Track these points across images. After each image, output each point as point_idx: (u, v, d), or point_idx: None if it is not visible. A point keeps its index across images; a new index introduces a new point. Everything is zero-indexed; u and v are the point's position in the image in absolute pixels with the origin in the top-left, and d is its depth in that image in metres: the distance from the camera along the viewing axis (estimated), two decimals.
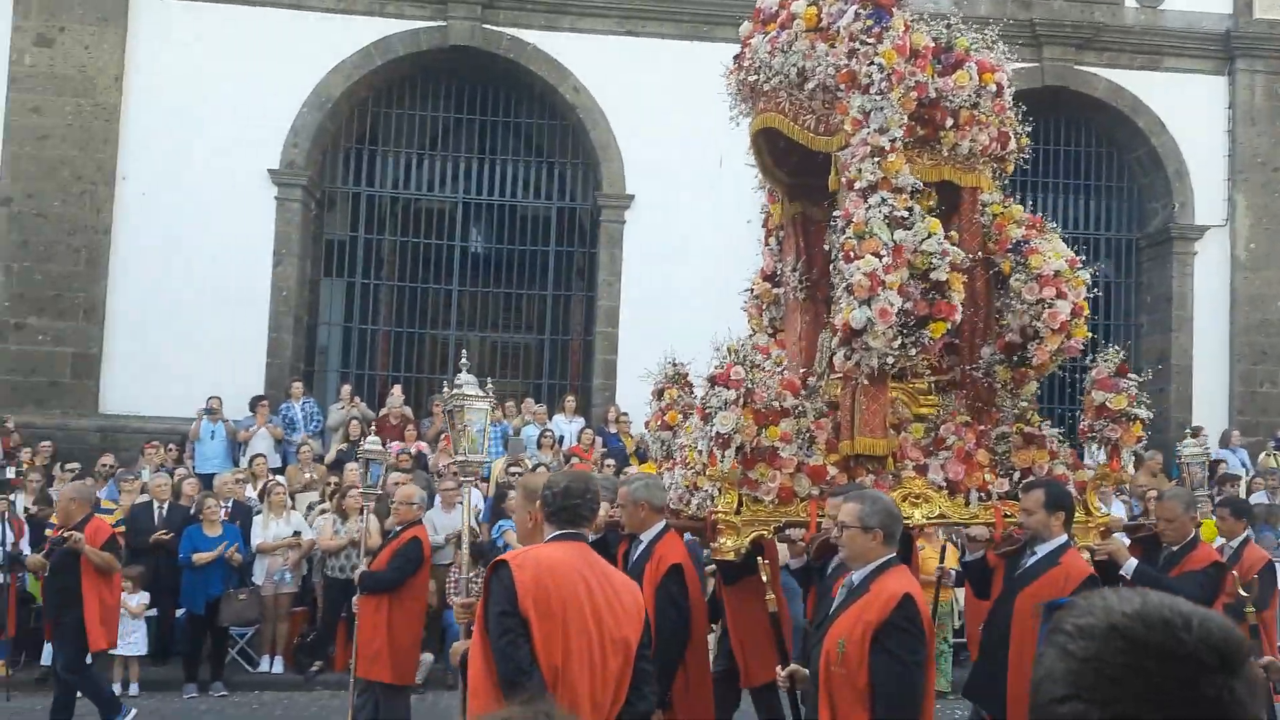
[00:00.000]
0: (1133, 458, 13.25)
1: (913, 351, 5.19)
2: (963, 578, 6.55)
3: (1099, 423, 5.56)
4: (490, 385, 6.88)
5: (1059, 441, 5.72)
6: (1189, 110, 15.31)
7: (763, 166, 6.38)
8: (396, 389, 13.77)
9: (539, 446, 12.72)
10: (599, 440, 13.19)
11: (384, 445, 12.59)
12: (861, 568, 4.17)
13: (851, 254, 5.17)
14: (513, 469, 11.20)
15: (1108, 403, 5.53)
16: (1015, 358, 5.59)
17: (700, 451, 5.32)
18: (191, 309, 13.51)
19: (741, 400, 5.18)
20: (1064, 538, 5.12)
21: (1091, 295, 5.53)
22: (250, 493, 11.45)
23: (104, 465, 12.02)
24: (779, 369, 5.85)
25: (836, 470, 5.38)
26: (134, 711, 8.22)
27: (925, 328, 5.17)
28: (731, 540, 5.19)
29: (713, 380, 5.28)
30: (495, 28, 14.55)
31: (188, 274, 13.57)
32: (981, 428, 5.63)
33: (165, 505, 10.63)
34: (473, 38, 14.47)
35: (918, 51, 5.45)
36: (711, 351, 5.43)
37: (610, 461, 12.02)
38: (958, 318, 5.29)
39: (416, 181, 15.48)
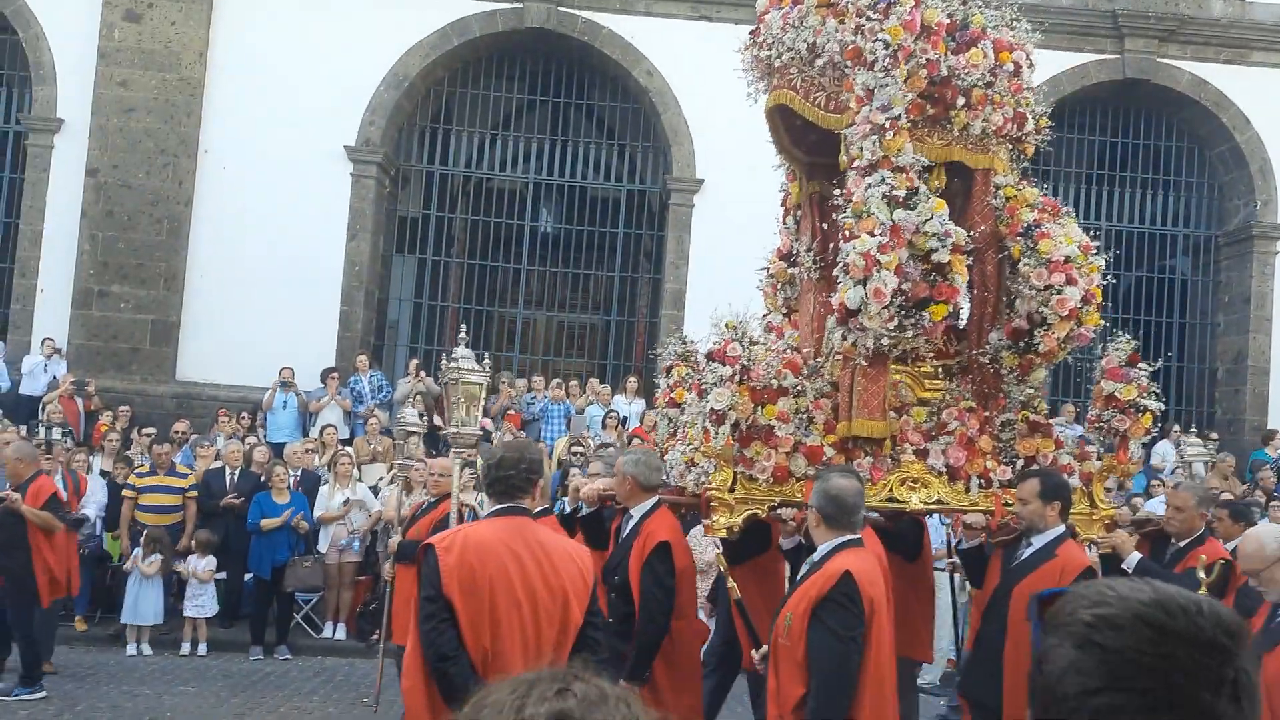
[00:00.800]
0: (1204, 461, 13.03)
1: (909, 334, 5.06)
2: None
3: (1107, 413, 5.43)
4: (488, 359, 7.00)
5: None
6: (1276, 106, 14.89)
7: (779, 144, 6.28)
8: None
9: (603, 427, 12.85)
10: None
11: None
12: (821, 545, 4.22)
13: (850, 233, 5.07)
14: (575, 448, 11.33)
15: (1117, 393, 5.39)
16: (1022, 344, 5.43)
17: (697, 427, 5.30)
18: (267, 281, 13.83)
19: (738, 377, 5.14)
20: (1061, 528, 5.04)
21: (1105, 283, 5.36)
22: (319, 462, 11.72)
23: (177, 432, 12.35)
24: (789, 348, 5.81)
25: (834, 451, 5.31)
26: (44, 693, 8.17)
27: (925, 310, 5.04)
28: (725, 517, 5.17)
29: (710, 356, 5.26)
30: (571, 10, 14.62)
31: (264, 246, 13.88)
32: (986, 414, 5.51)
33: (237, 471, 10.94)
34: (548, 20, 14.56)
35: (930, 28, 5.32)
36: (712, 328, 5.41)
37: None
38: (960, 301, 5.17)
39: (489, 161, 15.65)
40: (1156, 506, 11.03)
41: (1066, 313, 5.26)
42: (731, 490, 5.21)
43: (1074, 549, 5.03)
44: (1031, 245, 5.36)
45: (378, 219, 14.67)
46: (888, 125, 5.14)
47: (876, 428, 5.27)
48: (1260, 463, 13.44)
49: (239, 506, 10.56)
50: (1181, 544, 6.01)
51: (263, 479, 10.74)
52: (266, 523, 10.28)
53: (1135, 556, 5.61)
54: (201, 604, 10.13)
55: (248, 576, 10.68)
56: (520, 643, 3.63)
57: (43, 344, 13.54)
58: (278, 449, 11.92)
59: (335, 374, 13.43)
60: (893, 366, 5.42)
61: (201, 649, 10.07)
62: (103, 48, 14.15)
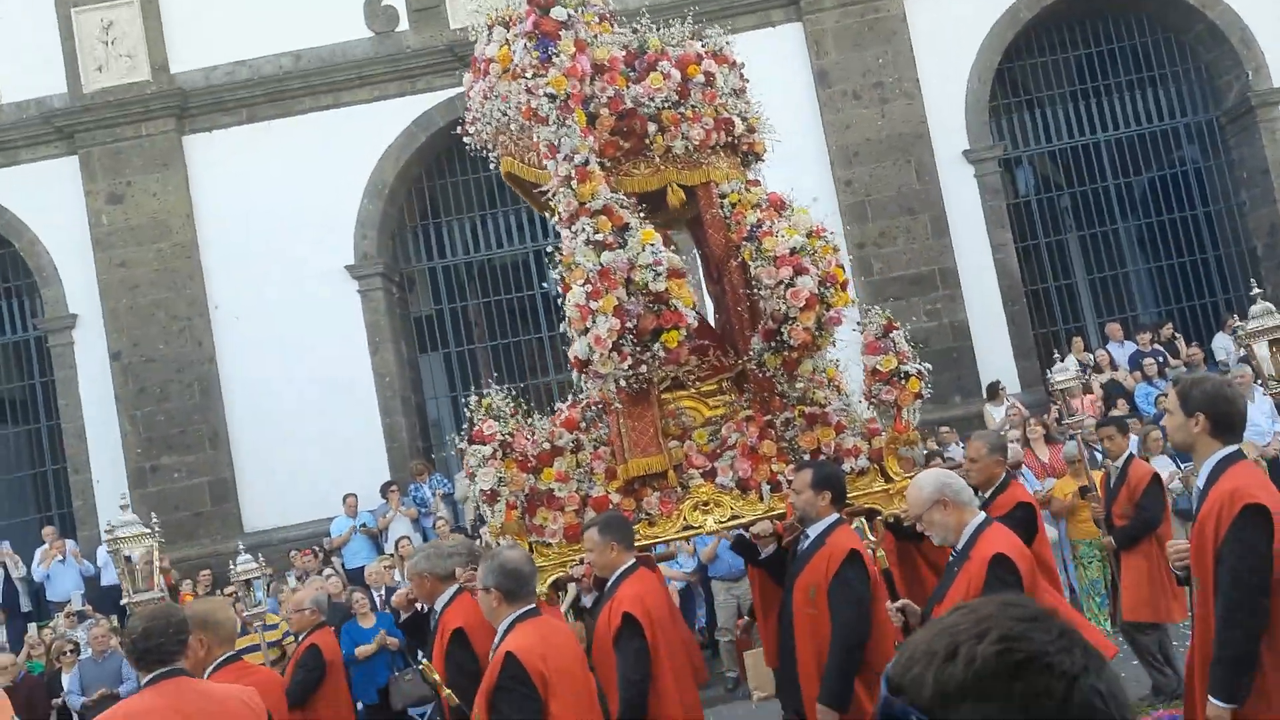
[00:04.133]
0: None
1: (643, 369, 5.07)
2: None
3: (875, 386, 5.49)
4: (156, 520, 6.97)
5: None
6: None
7: (533, 204, 6.34)
8: None
9: None
10: None
11: None
12: (500, 625, 4.19)
13: (566, 286, 5.12)
14: None
15: (878, 366, 5.46)
16: (775, 343, 5.44)
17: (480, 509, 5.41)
18: (306, 413, 13.97)
19: (499, 453, 5.20)
20: (834, 517, 5.02)
21: (846, 263, 5.46)
22: (400, 577, 11.76)
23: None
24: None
25: (620, 496, 5.33)
26: None
27: (659, 340, 5.07)
28: None
29: (470, 440, 5.31)
30: None
31: (293, 381, 14.04)
32: (767, 418, 5.53)
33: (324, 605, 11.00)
34: None
35: (603, 66, 5.39)
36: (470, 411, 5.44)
37: None
38: (690, 321, 5.16)
39: (485, 241, 15.76)
40: None
41: (804, 303, 5.28)
42: None
43: (842, 535, 5.00)
44: (757, 246, 5.41)
45: (394, 326, 14.81)
46: (574, 174, 5.17)
47: (653, 463, 5.29)
48: None
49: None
50: (986, 494, 6.00)
51: (350, 609, 10.79)
52: (360, 650, 10.31)
53: None
54: None
55: (359, 706, 10.70)
56: None
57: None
58: (357, 575, 11.99)
59: (394, 487, 13.52)
60: (674, 394, 5.48)
61: None
62: (95, 235, 14.47)
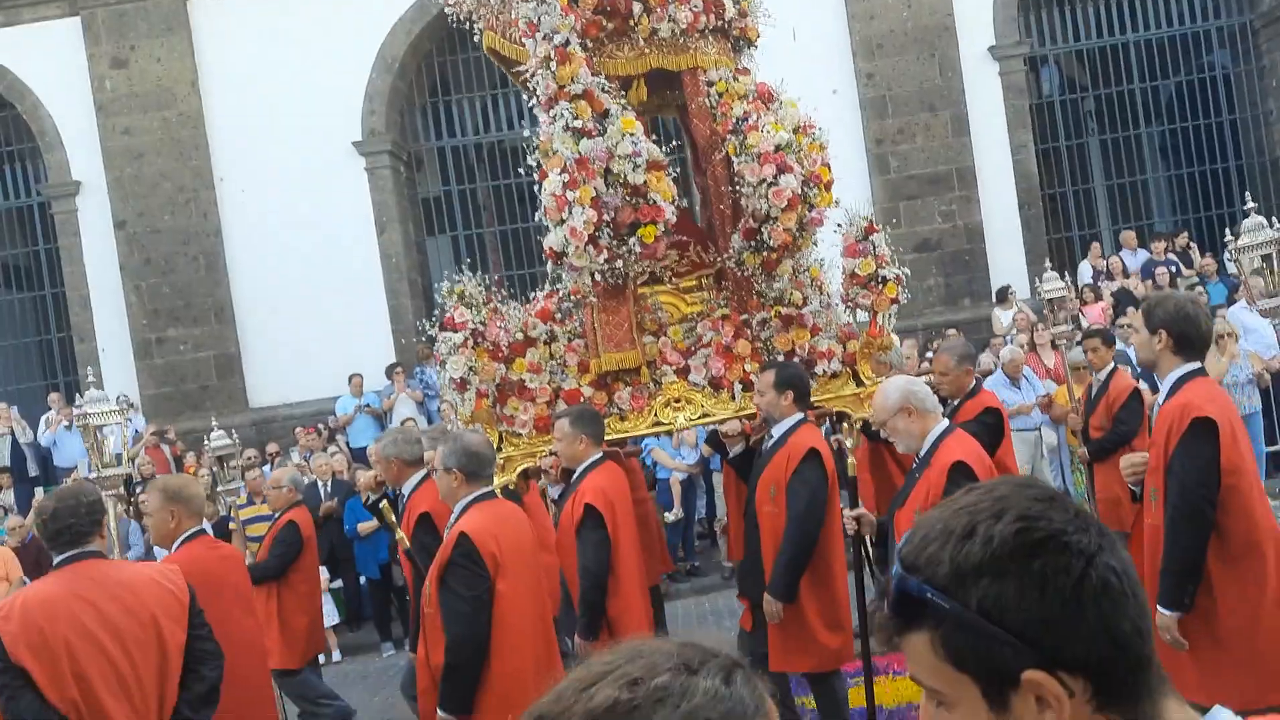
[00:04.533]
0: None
1: (619, 263, 4.97)
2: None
3: (853, 290, 5.41)
4: (125, 396, 6.94)
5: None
6: None
7: (516, 82, 6.09)
8: None
9: None
10: None
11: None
12: (457, 505, 4.25)
13: (545, 174, 4.95)
14: None
15: (856, 269, 5.36)
16: (755, 242, 5.29)
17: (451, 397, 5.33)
18: (311, 291, 13.90)
19: (471, 341, 5.15)
20: (798, 416, 5.03)
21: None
22: None
23: (252, 458, 12.30)
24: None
25: (592, 390, 5.30)
26: None
27: (636, 234, 4.95)
28: (497, 477, 5.14)
29: (442, 326, 5.26)
30: None
31: (300, 258, 13.93)
32: (743, 317, 5.45)
33: (329, 482, 11.17)
34: None
35: None
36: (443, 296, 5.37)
37: None
38: (669, 216, 5.02)
39: (496, 122, 15.46)
40: (1239, 315, 10.70)
41: (786, 203, 5.12)
42: (499, 450, 5.20)
43: (803, 434, 5.03)
44: (742, 141, 5.20)
45: (401, 206, 14.64)
46: (553, 54, 4.92)
47: (626, 358, 5.24)
48: None
49: (337, 510, 10.81)
50: (955, 402, 6.08)
51: (354, 485, 10.94)
52: (362, 527, 10.49)
53: None
54: (325, 613, 10.37)
55: (362, 580, 10.94)
56: (116, 680, 3.57)
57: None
58: (361, 454, 12.09)
59: (399, 369, 13.54)
60: (651, 289, 5.41)
61: (335, 656, 10.36)
62: (98, 100, 14.19)
